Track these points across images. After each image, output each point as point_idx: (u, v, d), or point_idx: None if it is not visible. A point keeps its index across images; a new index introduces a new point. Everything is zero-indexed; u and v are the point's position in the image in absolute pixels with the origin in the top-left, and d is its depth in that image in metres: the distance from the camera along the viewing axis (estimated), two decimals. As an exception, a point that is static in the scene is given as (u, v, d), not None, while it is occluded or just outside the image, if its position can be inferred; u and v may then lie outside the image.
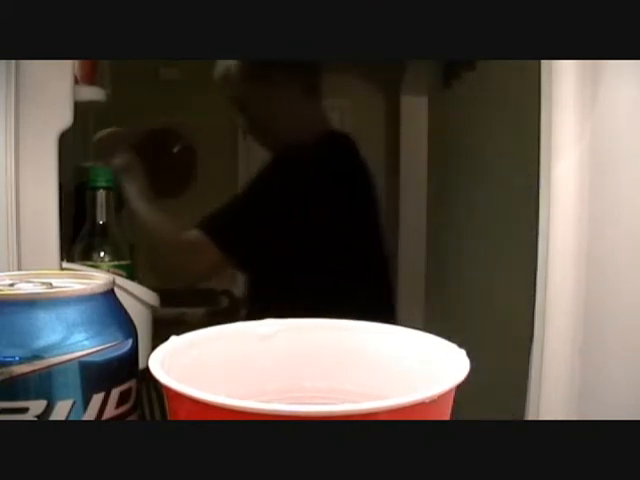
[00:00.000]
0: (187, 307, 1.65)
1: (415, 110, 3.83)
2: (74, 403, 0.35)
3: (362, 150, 1.52)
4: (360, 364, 0.41)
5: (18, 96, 0.75)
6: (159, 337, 0.41)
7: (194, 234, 1.30)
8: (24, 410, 0.34)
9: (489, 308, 2.33)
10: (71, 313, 0.36)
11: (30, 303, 0.35)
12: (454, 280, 2.85)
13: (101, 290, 0.38)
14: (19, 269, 0.74)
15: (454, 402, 0.33)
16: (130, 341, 0.39)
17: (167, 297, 0.93)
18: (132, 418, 0.39)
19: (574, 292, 0.78)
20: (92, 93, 0.87)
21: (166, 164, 3.83)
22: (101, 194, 0.93)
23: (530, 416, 0.81)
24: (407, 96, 3.98)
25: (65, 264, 0.83)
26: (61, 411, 0.35)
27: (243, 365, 0.41)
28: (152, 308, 0.89)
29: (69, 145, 0.87)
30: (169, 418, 0.33)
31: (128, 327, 0.39)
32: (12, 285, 0.39)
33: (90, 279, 0.41)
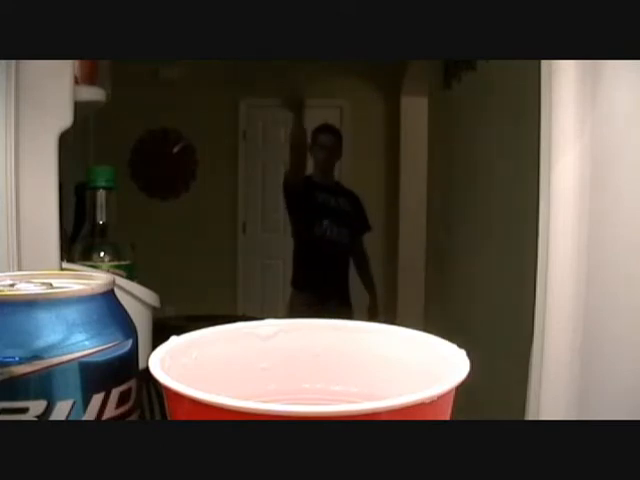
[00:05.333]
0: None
1: (415, 110, 3.84)
2: (74, 403, 0.35)
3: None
4: (360, 364, 0.41)
5: (18, 96, 0.75)
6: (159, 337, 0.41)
7: None
8: (24, 410, 0.34)
9: (489, 308, 2.34)
10: (71, 313, 0.36)
11: (30, 303, 0.35)
12: (454, 280, 2.85)
13: (101, 290, 0.38)
14: (19, 269, 0.74)
15: (454, 402, 0.33)
16: (130, 341, 0.39)
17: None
18: (132, 418, 0.39)
19: (574, 292, 0.78)
20: (92, 93, 0.87)
21: (166, 164, 3.84)
22: (101, 194, 0.93)
23: (530, 416, 0.81)
24: (407, 96, 3.98)
25: (65, 264, 0.83)
26: (61, 411, 0.35)
27: (243, 365, 0.41)
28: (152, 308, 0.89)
29: (69, 145, 0.87)
30: (169, 418, 0.33)
31: (128, 327, 0.39)
32: (12, 285, 0.39)
33: (90, 279, 0.41)
